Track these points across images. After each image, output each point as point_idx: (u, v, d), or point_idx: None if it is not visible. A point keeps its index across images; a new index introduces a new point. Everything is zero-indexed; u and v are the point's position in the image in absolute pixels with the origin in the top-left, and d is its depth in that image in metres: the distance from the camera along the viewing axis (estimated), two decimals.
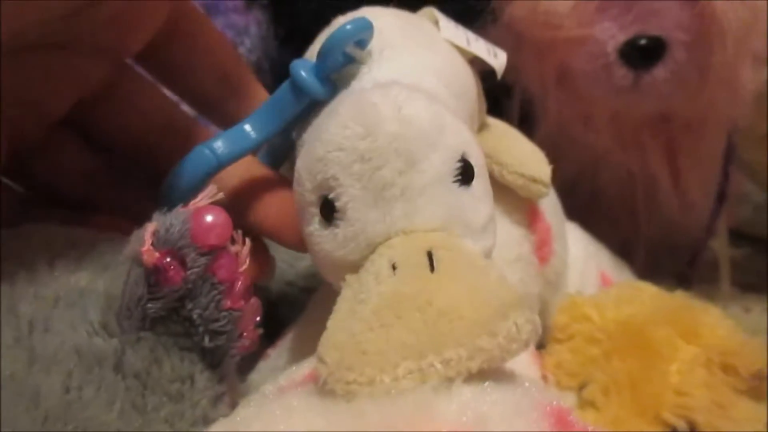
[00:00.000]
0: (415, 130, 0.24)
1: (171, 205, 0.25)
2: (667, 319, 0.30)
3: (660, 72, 0.38)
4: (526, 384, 0.22)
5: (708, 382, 0.28)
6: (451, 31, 0.32)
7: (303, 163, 0.26)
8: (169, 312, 0.25)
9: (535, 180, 0.33)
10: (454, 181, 0.25)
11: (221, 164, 0.29)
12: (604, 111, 0.43)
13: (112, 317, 0.24)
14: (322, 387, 0.22)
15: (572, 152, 0.47)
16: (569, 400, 0.30)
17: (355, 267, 0.25)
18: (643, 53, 0.38)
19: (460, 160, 0.25)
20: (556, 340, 0.32)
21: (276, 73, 0.55)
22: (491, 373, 0.21)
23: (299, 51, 0.58)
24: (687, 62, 0.38)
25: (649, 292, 0.33)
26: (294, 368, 0.27)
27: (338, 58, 0.28)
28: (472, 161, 0.25)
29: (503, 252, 0.33)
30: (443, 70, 0.30)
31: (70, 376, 0.23)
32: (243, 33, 0.53)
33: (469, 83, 0.32)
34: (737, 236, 0.50)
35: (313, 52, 0.31)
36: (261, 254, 0.32)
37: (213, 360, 0.26)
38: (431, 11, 0.32)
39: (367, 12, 0.30)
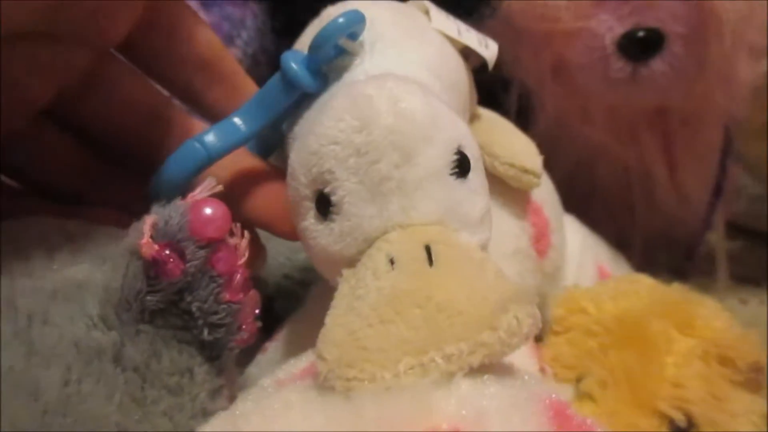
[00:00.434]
0: (411, 123, 0.24)
1: (162, 199, 0.25)
2: (663, 311, 0.30)
3: (657, 64, 0.38)
4: (525, 377, 0.22)
5: (705, 375, 0.29)
6: (442, 21, 0.32)
7: (297, 156, 0.26)
8: (168, 305, 0.25)
9: (526, 170, 0.33)
10: (451, 174, 0.25)
11: (212, 158, 0.29)
12: (600, 104, 0.43)
13: (111, 310, 0.24)
14: (321, 384, 0.22)
15: (569, 146, 0.47)
16: (567, 392, 0.30)
17: (352, 262, 0.24)
18: (641, 45, 0.38)
19: (456, 153, 0.25)
20: (554, 333, 0.32)
21: (273, 66, 0.55)
22: (489, 366, 0.21)
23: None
24: (684, 55, 0.38)
25: (646, 284, 0.33)
26: (292, 361, 0.27)
27: (330, 51, 0.27)
28: (468, 153, 0.25)
29: (501, 245, 0.33)
30: (435, 62, 0.30)
31: (69, 369, 0.23)
32: (239, 25, 0.53)
33: (460, 74, 0.32)
34: (733, 229, 0.50)
35: (303, 43, 0.31)
36: (253, 245, 0.32)
37: (212, 353, 0.26)
38: (422, 2, 0.32)
39: (358, 3, 0.29)
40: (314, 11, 0.32)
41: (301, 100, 0.29)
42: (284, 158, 0.30)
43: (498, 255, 0.33)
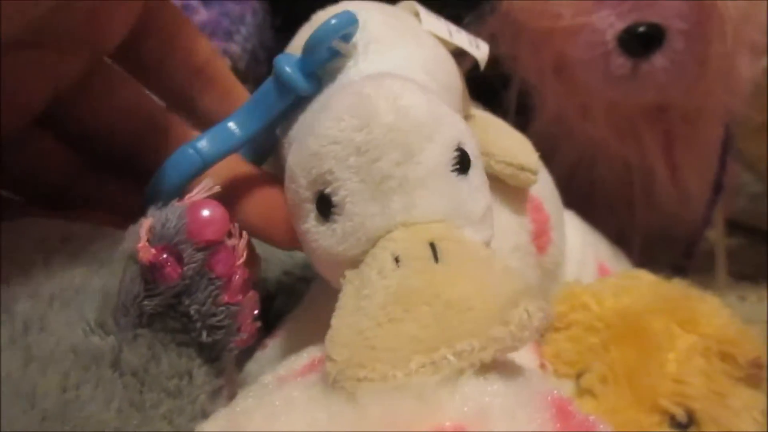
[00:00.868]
0: (411, 120, 0.24)
1: (158, 204, 0.25)
2: (664, 308, 0.30)
3: (658, 60, 0.38)
4: (527, 374, 0.22)
5: (706, 371, 0.29)
6: (433, 23, 0.32)
7: (296, 159, 0.26)
8: (166, 308, 0.24)
9: (523, 168, 0.32)
10: (452, 171, 0.24)
11: (206, 163, 0.29)
12: (601, 101, 0.43)
13: (109, 315, 0.24)
14: (331, 384, 0.21)
15: (569, 143, 0.47)
16: (567, 388, 0.30)
17: (355, 262, 0.24)
18: (641, 41, 0.38)
19: (456, 150, 0.25)
20: (555, 329, 0.32)
21: (272, 63, 0.55)
22: (492, 364, 0.21)
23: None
24: (685, 51, 0.38)
25: (646, 280, 0.33)
26: (293, 358, 0.27)
27: (323, 53, 0.27)
28: (468, 150, 0.25)
29: (501, 241, 0.33)
30: (430, 63, 0.29)
31: (67, 375, 0.23)
32: (239, 21, 0.53)
33: (454, 75, 0.32)
34: (733, 226, 0.50)
35: (295, 45, 0.31)
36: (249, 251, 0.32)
37: (211, 355, 0.25)
38: (411, 4, 0.32)
39: (350, 5, 0.29)
40: (313, 8, 0.32)
41: (296, 103, 0.28)
42: (279, 163, 0.30)
43: (499, 251, 0.33)
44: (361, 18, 0.28)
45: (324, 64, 0.28)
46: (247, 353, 0.33)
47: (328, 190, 0.24)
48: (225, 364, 0.26)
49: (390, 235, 0.24)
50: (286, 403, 0.22)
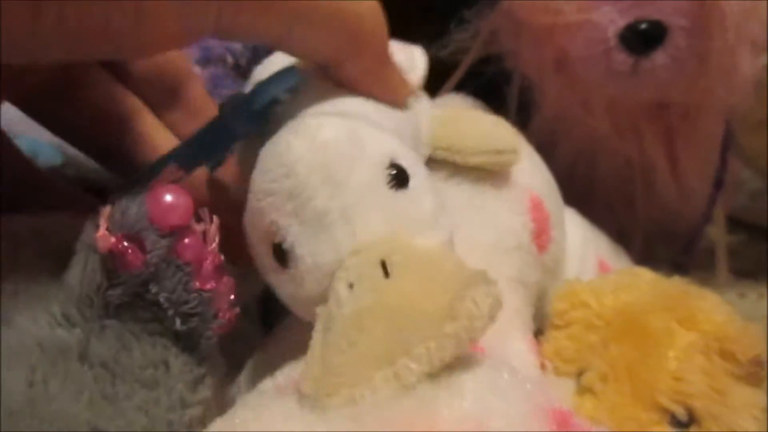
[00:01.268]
0: (331, 153, 0.25)
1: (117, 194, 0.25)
2: (664, 305, 0.30)
3: (660, 57, 0.38)
4: (528, 386, 0.22)
5: (706, 368, 0.29)
6: None
7: (246, 220, 0.27)
8: (133, 297, 0.24)
9: (499, 151, 0.33)
10: (389, 188, 0.25)
11: None
12: (602, 97, 0.43)
13: (73, 307, 0.24)
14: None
15: (570, 139, 0.46)
16: (567, 387, 0.30)
17: (323, 299, 0.25)
18: (643, 38, 0.38)
19: (389, 167, 0.25)
20: (554, 327, 0.32)
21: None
22: (493, 374, 0.22)
23: None
24: (686, 48, 0.38)
25: (647, 278, 0.33)
26: (293, 365, 0.27)
27: (267, 98, 0.29)
28: (404, 163, 0.26)
29: (502, 242, 0.34)
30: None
31: (34, 370, 0.23)
32: None
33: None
34: (733, 223, 0.50)
35: (251, 83, 0.32)
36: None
37: (189, 343, 0.25)
38: None
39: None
40: None
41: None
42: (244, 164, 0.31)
43: (499, 252, 0.33)
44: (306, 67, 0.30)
45: (268, 108, 0.30)
46: (246, 345, 0.32)
47: (277, 240, 0.25)
48: (205, 352, 0.25)
49: (343, 265, 0.24)
50: (284, 416, 0.22)
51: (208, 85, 0.50)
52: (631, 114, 0.43)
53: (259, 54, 0.54)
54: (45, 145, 0.46)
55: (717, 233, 0.48)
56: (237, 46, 0.53)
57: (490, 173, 0.34)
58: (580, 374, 0.30)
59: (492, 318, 0.22)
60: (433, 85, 0.48)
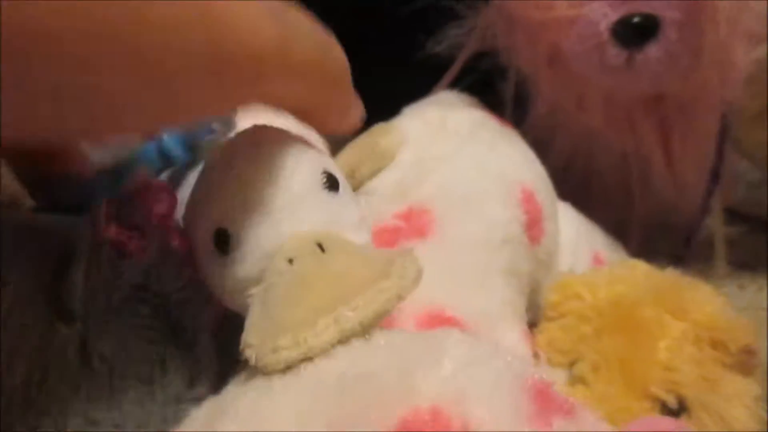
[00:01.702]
0: (279, 148, 0.28)
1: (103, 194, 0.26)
2: (657, 296, 0.31)
3: (653, 50, 0.38)
4: (508, 358, 0.23)
5: (696, 358, 0.29)
6: None
7: (188, 210, 0.28)
8: (135, 291, 0.25)
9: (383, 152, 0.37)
10: (324, 189, 0.28)
11: None
12: (596, 91, 0.43)
13: (77, 302, 0.24)
14: (254, 368, 0.23)
15: (566, 134, 0.47)
16: (560, 377, 0.30)
17: (259, 281, 0.26)
18: (636, 31, 0.38)
19: (323, 173, 0.28)
20: (548, 318, 0.32)
21: None
22: (473, 348, 0.22)
23: None
24: (679, 41, 0.38)
25: (640, 270, 0.33)
26: None
27: (203, 131, 0.32)
28: (335, 174, 0.29)
29: (492, 233, 0.34)
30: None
31: (33, 363, 0.23)
32: None
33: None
34: (732, 215, 0.50)
35: None
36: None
37: (185, 339, 0.26)
38: None
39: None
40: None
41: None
42: None
43: (491, 243, 0.34)
44: None
45: (202, 140, 0.33)
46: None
47: (222, 226, 0.27)
48: (201, 350, 0.26)
49: (282, 248, 0.26)
50: (268, 390, 0.22)
51: None
52: (626, 108, 0.43)
53: None
54: None
55: (715, 225, 0.48)
56: None
57: (479, 167, 0.35)
58: (572, 365, 0.30)
59: (417, 281, 0.25)
60: (429, 81, 0.49)
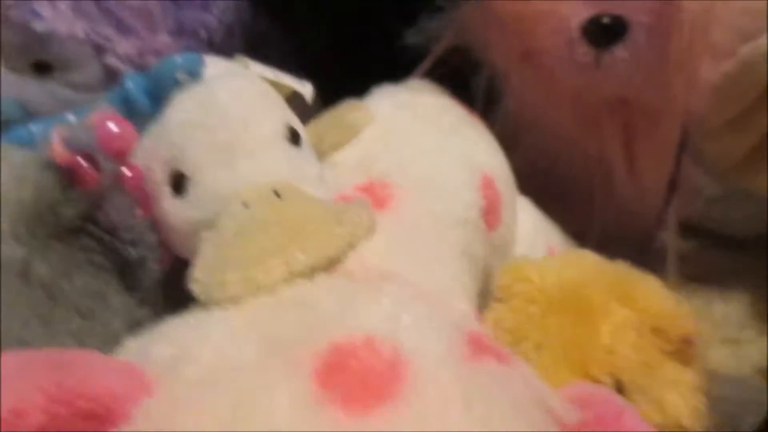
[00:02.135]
0: (245, 97, 0.28)
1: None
2: (604, 283, 0.31)
3: (620, 52, 0.39)
4: (453, 310, 0.23)
5: (637, 344, 0.29)
6: (260, 69, 0.38)
7: (147, 150, 0.28)
8: (82, 222, 0.25)
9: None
10: (286, 141, 0.28)
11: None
12: (566, 90, 0.43)
13: (23, 225, 0.24)
14: (201, 303, 0.23)
15: (533, 133, 0.47)
16: None
17: (211, 225, 0.26)
18: (604, 32, 0.39)
19: (287, 126, 0.28)
20: (497, 300, 0.33)
21: (247, 39, 0.55)
22: (413, 293, 0.22)
23: (272, 16, 0.58)
24: (646, 45, 0.39)
25: (591, 259, 0.33)
26: None
27: (168, 82, 0.31)
28: (298, 129, 0.29)
29: (450, 212, 0.34)
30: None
31: None
32: None
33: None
34: (687, 229, 0.51)
35: None
36: None
37: (130, 281, 0.26)
38: (242, 60, 0.38)
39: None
40: None
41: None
42: None
43: (447, 222, 0.34)
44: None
45: (167, 91, 0.31)
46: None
47: (180, 167, 0.27)
48: (147, 294, 0.26)
49: (238, 192, 0.26)
50: (205, 316, 0.22)
51: None
52: (593, 108, 0.44)
53: (233, 32, 0.55)
54: (6, 99, 0.46)
55: (670, 236, 0.49)
56: (212, 20, 0.53)
57: (442, 148, 0.36)
58: (517, 344, 0.30)
59: (370, 231, 0.25)
60: (403, 72, 0.49)
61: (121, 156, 0.25)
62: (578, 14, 0.39)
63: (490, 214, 0.36)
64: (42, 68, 0.45)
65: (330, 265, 0.24)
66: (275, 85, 0.35)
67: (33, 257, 0.24)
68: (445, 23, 0.46)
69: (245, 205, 0.26)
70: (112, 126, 0.25)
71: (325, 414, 0.18)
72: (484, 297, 0.35)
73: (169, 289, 0.28)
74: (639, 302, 0.30)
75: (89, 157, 0.24)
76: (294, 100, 0.38)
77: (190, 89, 0.29)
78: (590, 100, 0.44)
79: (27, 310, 0.24)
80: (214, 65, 0.33)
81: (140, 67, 0.45)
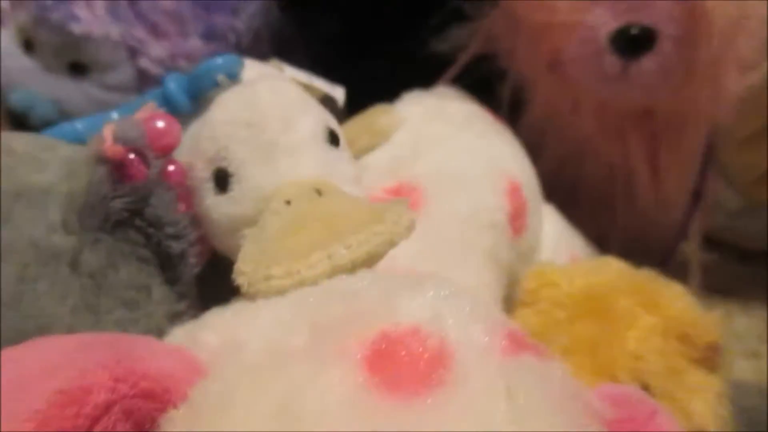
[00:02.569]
0: (287, 98, 0.29)
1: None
2: (630, 289, 0.31)
3: (647, 62, 0.39)
4: (490, 306, 0.23)
5: (663, 350, 0.29)
6: (295, 73, 0.40)
7: (190, 148, 0.29)
8: (130, 215, 0.25)
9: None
10: (325, 142, 0.29)
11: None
12: (591, 99, 0.44)
13: (73, 216, 0.25)
14: (246, 294, 0.24)
15: (558, 139, 0.47)
16: None
17: (254, 222, 0.27)
18: (633, 42, 0.39)
19: (326, 127, 0.29)
20: (523, 304, 0.33)
21: (275, 42, 0.56)
22: (454, 286, 0.23)
23: (300, 19, 0.58)
24: (674, 56, 0.39)
25: (616, 266, 0.34)
26: None
27: (208, 82, 0.33)
28: (336, 131, 0.30)
29: (478, 217, 0.35)
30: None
31: (26, 267, 0.24)
32: None
33: None
34: (709, 242, 0.51)
35: None
36: None
37: (172, 275, 0.26)
38: (276, 63, 0.39)
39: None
40: None
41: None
42: None
43: (475, 226, 0.34)
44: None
45: (208, 92, 0.32)
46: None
47: (223, 165, 0.28)
48: (187, 289, 0.27)
49: (280, 189, 0.27)
50: (253, 306, 0.22)
51: None
52: (618, 118, 0.44)
53: (260, 37, 0.56)
54: (41, 99, 0.47)
55: (692, 249, 0.49)
56: (240, 25, 0.54)
57: (471, 153, 0.36)
58: None
59: (410, 229, 0.25)
60: (430, 79, 0.50)
61: (167, 152, 0.26)
62: (607, 24, 0.39)
63: (516, 219, 0.37)
64: (77, 69, 0.46)
65: (371, 261, 0.24)
66: (308, 88, 0.36)
67: (82, 248, 0.25)
68: (471, 32, 0.47)
69: (287, 202, 0.26)
70: (161, 123, 0.26)
71: (377, 398, 0.18)
72: (508, 303, 0.36)
73: (204, 285, 0.29)
74: (664, 309, 0.31)
75: (138, 153, 0.25)
76: (325, 103, 0.38)
77: (234, 89, 0.30)
78: (616, 110, 0.44)
79: (76, 298, 0.24)
80: (250, 68, 0.34)
81: (171, 70, 0.46)
